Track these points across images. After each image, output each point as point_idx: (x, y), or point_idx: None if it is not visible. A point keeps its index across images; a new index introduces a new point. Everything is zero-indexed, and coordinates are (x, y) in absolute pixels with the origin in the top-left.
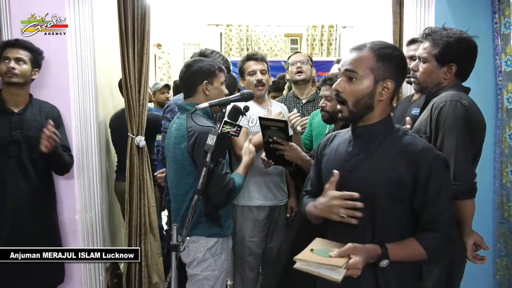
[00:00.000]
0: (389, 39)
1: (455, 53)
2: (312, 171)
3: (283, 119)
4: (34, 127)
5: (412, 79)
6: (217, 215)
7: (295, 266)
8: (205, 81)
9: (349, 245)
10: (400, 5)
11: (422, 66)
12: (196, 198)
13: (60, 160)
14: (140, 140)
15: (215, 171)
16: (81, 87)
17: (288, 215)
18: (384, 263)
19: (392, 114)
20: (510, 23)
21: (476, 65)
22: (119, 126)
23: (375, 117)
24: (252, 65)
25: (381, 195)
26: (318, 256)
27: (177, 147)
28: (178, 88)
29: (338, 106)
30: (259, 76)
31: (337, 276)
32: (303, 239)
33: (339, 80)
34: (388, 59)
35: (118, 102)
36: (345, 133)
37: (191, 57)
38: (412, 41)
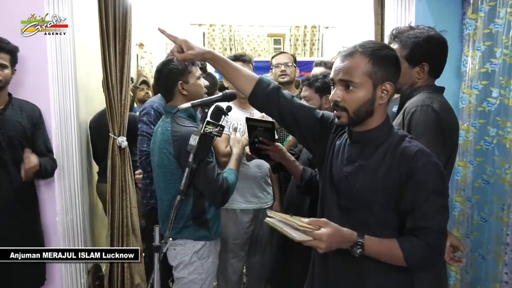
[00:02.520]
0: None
1: (425, 52)
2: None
3: (271, 120)
4: (15, 127)
5: None
6: (204, 218)
7: (265, 220)
8: (180, 82)
9: (324, 219)
10: (381, 6)
11: None
12: (179, 198)
13: (44, 173)
14: (122, 141)
15: (207, 175)
16: (61, 87)
17: None
18: (357, 251)
19: None
20: (470, 24)
21: (448, 65)
22: (100, 126)
23: (373, 122)
24: None
25: (377, 203)
26: (288, 216)
27: (162, 152)
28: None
29: (337, 113)
30: None
31: (296, 235)
32: (287, 245)
33: (335, 89)
34: (384, 61)
35: (100, 102)
36: (346, 134)
37: (167, 57)
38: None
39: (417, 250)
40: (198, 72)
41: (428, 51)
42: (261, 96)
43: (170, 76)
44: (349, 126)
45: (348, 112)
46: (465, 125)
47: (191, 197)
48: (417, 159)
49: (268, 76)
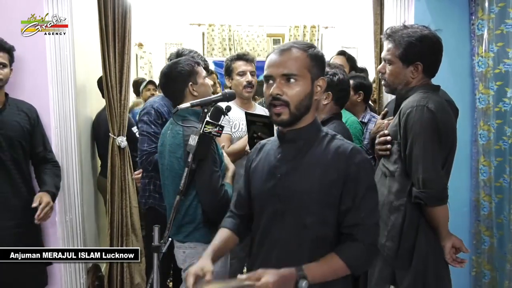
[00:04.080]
0: (370, 40)
1: (419, 52)
2: (240, 186)
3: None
4: (14, 126)
5: (382, 82)
6: (216, 222)
7: None
8: (190, 83)
9: (260, 269)
10: (380, 6)
11: (388, 68)
12: (178, 198)
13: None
14: (122, 141)
15: (211, 184)
16: (60, 87)
17: None
18: (303, 284)
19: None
20: (482, 24)
21: (454, 65)
22: (101, 124)
23: (306, 120)
24: (242, 66)
25: (312, 202)
26: (222, 281)
27: (172, 156)
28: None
29: (277, 109)
30: (249, 77)
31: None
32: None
33: (275, 84)
34: (318, 58)
35: (99, 102)
36: (274, 140)
37: (168, 58)
38: None
39: (358, 255)
40: (204, 72)
41: (422, 50)
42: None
43: (179, 78)
44: (285, 126)
45: (289, 107)
46: (486, 125)
47: (199, 201)
48: (354, 156)
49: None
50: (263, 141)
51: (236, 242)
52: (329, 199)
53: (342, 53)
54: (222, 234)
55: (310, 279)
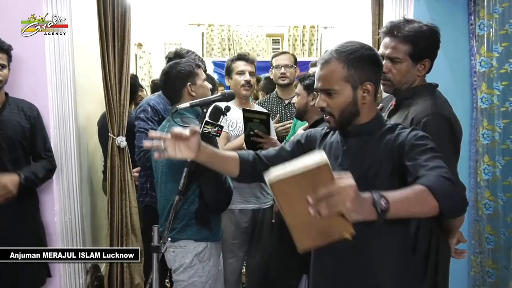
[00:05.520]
0: (369, 40)
1: (429, 47)
2: (287, 146)
3: (265, 111)
4: (13, 126)
5: (382, 81)
6: (207, 217)
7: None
8: (188, 83)
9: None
10: (379, 6)
11: (395, 67)
12: (178, 198)
13: (35, 182)
14: (121, 141)
15: (217, 178)
16: (60, 88)
17: (273, 221)
18: (381, 201)
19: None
20: (484, 24)
21: (453, 65)
22: (104, 126)
23: (363, 119)
24: (241, 65)
25: (378, 176)
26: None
27: None
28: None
29: (326, 117)
30: (247, 76)
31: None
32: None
33: (319, 97)
34: (360, 63)
35: (99, 103)
36: (336, 133)
37: (166, 57)
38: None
39: (438, 181)
40: (203, 74)
41: (432, 45)
42: (248, 170)
43: (178, 78)
44: (335, 130)
45: (334, 116)
46: (491, 125)
47: (196, 196)
48: (400, 134)
49: (268, 75)
50: (323, 131)
51: (234, 169)
52: (393, 167)
53: None
54: (230, 152)
55: (390, 199)
